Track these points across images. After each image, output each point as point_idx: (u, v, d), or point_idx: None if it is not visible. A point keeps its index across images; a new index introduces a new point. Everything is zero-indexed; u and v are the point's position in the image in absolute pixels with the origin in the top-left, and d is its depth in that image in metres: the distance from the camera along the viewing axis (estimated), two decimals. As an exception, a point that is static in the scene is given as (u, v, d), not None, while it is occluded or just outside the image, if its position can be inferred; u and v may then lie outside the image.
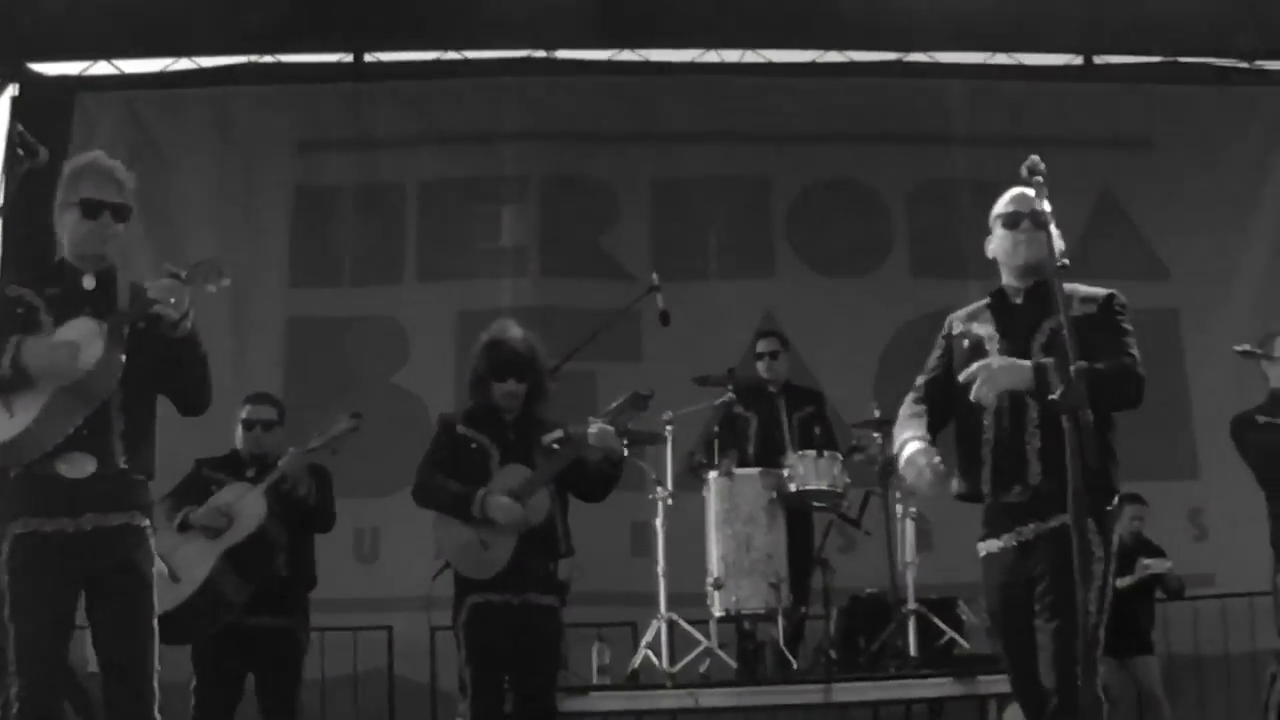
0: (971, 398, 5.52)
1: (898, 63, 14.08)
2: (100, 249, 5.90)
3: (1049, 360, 5.42)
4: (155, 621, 5.77)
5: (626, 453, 8.82)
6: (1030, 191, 5.60)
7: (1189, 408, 12.87)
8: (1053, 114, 13.53)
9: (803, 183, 13.70)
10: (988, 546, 5.77)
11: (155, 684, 5.71)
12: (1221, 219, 13.62)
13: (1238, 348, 8.63)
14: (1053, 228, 5.57)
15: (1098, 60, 14.21)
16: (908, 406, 5.95)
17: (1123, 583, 10.64)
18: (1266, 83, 14.13)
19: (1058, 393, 4.97)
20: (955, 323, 5.95)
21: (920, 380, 6.01)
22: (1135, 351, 5.61)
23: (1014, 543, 5.63)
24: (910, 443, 5.70)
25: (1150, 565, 10.98)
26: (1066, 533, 5.10)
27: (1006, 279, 5.87)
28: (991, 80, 14.07)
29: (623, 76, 13.98)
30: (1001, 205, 5.85)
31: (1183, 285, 13.38)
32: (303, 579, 8.65)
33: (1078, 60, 14.24)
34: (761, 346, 10.71)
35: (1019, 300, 5.79)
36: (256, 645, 8.29)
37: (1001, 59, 14.11)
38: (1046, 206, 5.56)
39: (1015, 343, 5.66)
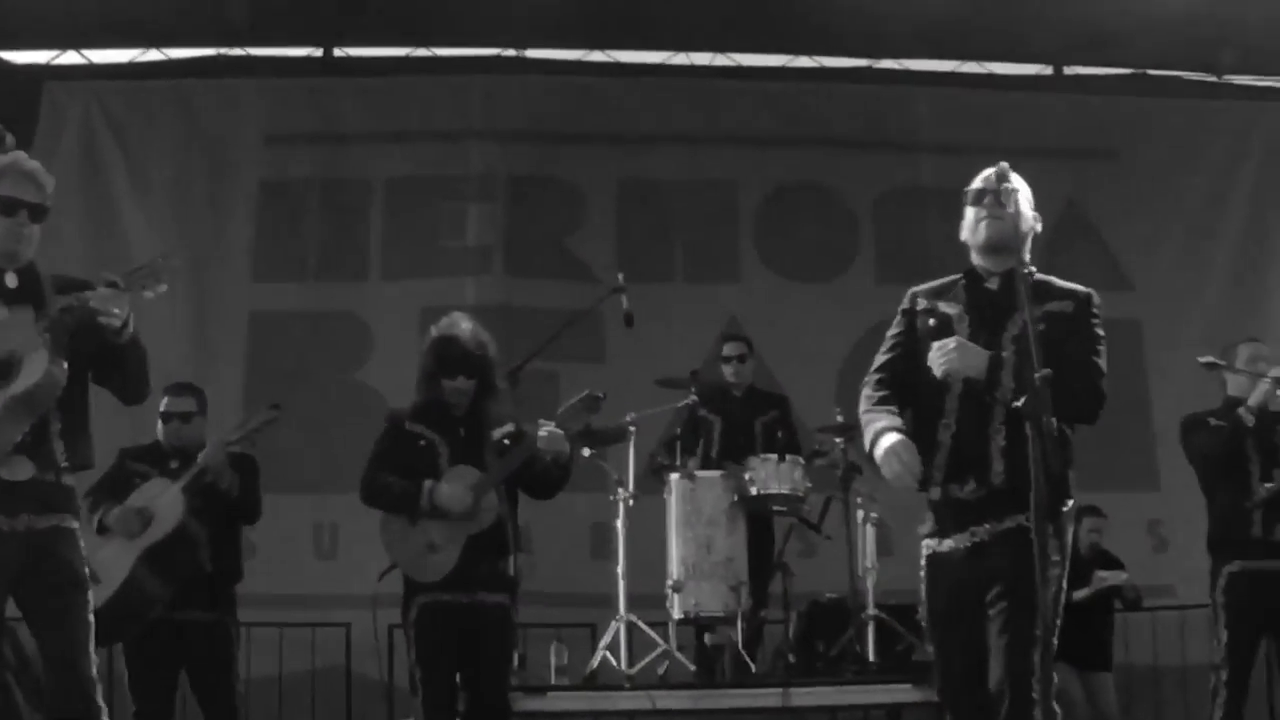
0: (935, 374, 5.39)
1: (868, 69, 14.11)
2: (14, 247, 5.89)
3: (1006, 355, 5.32)
4: (91, 615, 5.82)
5: (588, 452, 8.85)
6: (1004, 168, 5.53)
7: (1150, 419, 12.91)
8: (1021, 123, 13.55)
9: (770, 188, 13.72)
10: (935, 545, 5.56)
11: (94, 673, 5.77)
12: (1186, 232, 13.71)
13: (1201, 359, 8.68)
14: (1026, 208, 5.51)
15: (1067, 71, 14.26)
16: (870, 390, 5.71)
17: (1079, 595, 10.68)
18: (1234, 97, 14.20)
19: (1022, 399, 4.91)
20: (919, 298, 5.73)
21: (880, 360, 5.79)
22: (1103, 363, 5.47)
23: (966, 544, 5.43)
24: (887, 434, 5.46)
25: (1105, 578, 11.00)
26: (1023, 535, 5.07)
27: (975, 259, 5.67)
28: (960, 88, 14.10)
29: (592, 77, 13.98)
30: (973, 182, 5.68)
31: (1146, 297, 13.43)
32: (228, 573, 8.60)
33: (1048, 70, 14.29)
34: (728, 350, 10.69)
35: (993, 285, 5.59)
36: (186, 640, 8.26)
37: (972, 67, 14.15)
38: (1020, 187, 5.52)
39: (986, 327, 5.49)
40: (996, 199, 5.52)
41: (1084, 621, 10.83)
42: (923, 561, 5.63)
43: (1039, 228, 5.60)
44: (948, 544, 5.51)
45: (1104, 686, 11.15)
